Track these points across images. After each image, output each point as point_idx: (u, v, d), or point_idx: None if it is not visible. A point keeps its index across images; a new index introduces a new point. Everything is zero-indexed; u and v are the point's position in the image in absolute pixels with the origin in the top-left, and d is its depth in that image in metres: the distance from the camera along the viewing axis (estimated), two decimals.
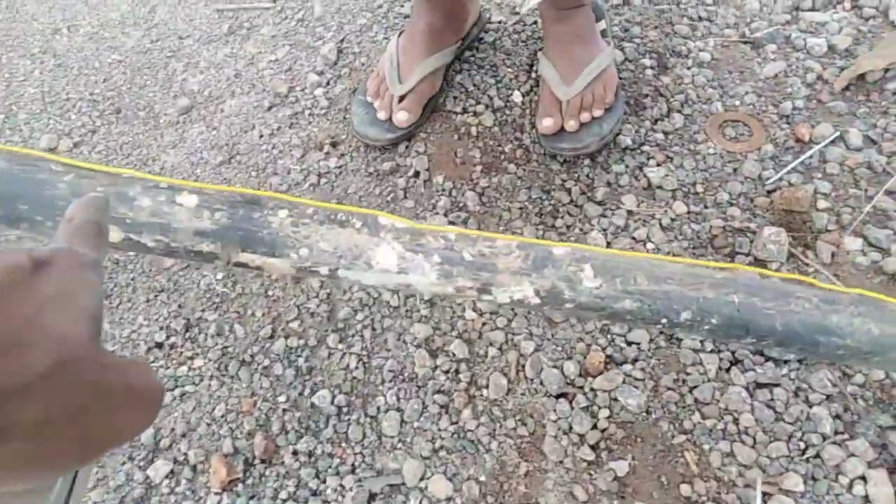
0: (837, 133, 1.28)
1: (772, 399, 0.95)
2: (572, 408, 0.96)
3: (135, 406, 0.26)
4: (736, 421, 0.93)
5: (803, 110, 1.35)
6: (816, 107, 1.35)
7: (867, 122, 1.31)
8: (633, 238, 1.15)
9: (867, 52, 1.40)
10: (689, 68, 1.43)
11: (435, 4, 1.27)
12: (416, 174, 1.24)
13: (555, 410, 0.96)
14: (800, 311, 0.62)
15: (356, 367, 1.04)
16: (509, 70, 1.38)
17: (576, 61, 1.23)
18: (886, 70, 1.37)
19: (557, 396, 0.98)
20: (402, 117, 1.25)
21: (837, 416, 0.94)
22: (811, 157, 1.26)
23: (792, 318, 0.62)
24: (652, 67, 1.37)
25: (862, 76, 1.37)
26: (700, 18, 1.54)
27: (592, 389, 0.98)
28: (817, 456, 0.90)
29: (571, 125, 1.21)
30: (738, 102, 1.38)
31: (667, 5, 1.52)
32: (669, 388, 0.96)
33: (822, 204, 1.19)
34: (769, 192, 1.22)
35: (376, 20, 1.54)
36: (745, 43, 1.50)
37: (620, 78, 1.35)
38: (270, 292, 1.15)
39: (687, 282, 0.64)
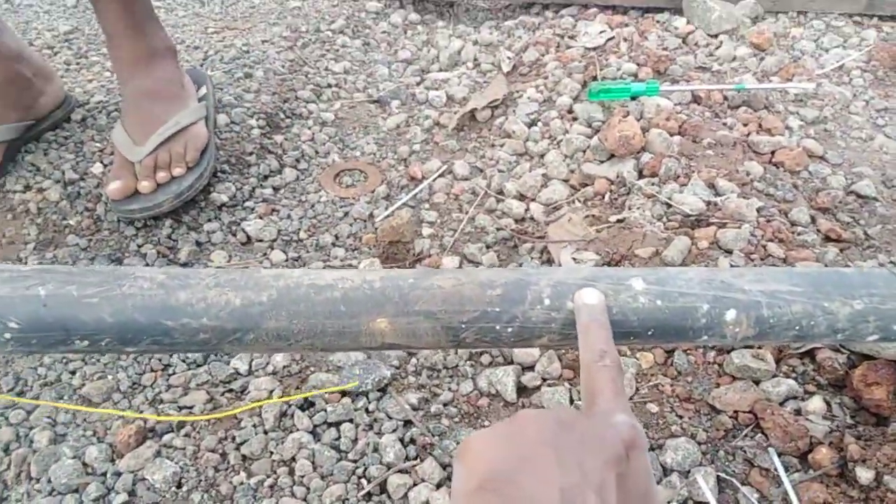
0: (445, 166, 1.30)
1: (338, 438, 0.82)
2: (82, 502, 0.75)
3: None
4: (291, 471, 0.78)
5: (420, 152, 1.38)
6: (432, 148, 1.39)
7: (476, 154, 1.35)
8: None
9: (478, 95, 1.48)
10: (309, 128, 1.42)
11: None
12: None
13: None
14: (136, 295, 0.50)
15: None
16: (97, 144, 1.27)
17: (151, 121, 1.15)
18: (494, 109, 1.45)
19: (66, 494, 0.76)
20: None
21: (412, 442, 0.82)
22: (421, 190, 1.25)
23: (125, 304, 0.50)
24: (260, 128, 1.34)
25: (474, 117, 1.44)
26: (329, 85, 1.58)
27: (117, 473, 0.78)
28: (383, 491, 0.77)
29: (145, 186, 1.10)
30: (358, 153, 1.38)
31: (288, 74, 1.53)
32: (211, 451, 0.79)
33: (426, 231, 1.16)
34: (377, 229, 1.17)
35: None
36: (373, 102, 1.54)
37: (222, 139, 1.28)
38: None
39: None
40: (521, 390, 0.90)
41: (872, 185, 1.12)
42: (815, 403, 0.76)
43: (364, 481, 0.78)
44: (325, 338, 0.53)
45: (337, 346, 0.54)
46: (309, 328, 0.52)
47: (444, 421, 0.87)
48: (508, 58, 1.63)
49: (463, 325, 0.54)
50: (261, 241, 1.15)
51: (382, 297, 0.53)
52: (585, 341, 0.48)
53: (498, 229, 1.14)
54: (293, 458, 0.81)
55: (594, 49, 1.57)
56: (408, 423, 0.86)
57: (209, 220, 1.17)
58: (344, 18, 1.85)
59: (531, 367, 0.91)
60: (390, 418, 0.86)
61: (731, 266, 0.93)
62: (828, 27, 1.60)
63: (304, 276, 0.54)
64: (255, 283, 0.52)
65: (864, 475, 0.68)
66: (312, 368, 0.94)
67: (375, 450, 0.82)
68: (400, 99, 1.54)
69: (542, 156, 1.30)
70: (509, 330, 0.54)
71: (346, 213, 1.22)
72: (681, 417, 0.81)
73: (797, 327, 0.56)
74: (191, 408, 0.87)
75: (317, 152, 1.37)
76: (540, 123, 1.38)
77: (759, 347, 0.82)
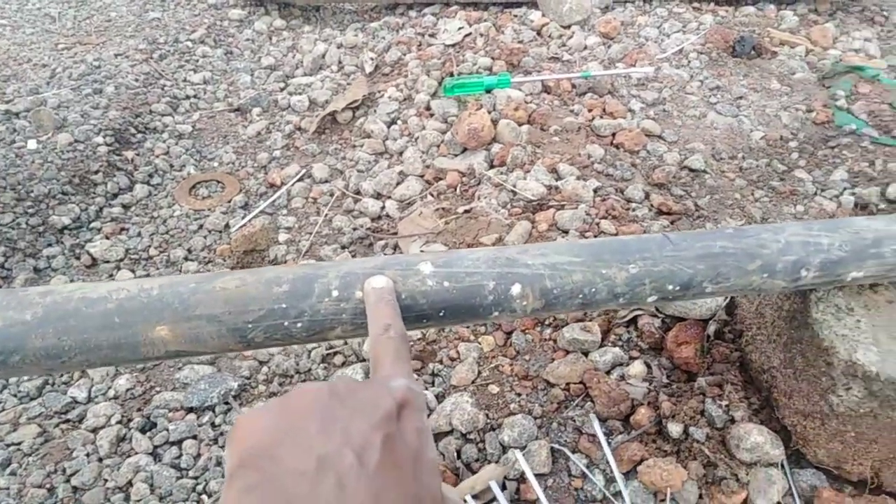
0: (304, 171, 1.29)
1: (180, 455, 0.80)
2: None
3: None
4: (127, 497, 0.76)
5: (280, 158, 1.36)
6: (293, 153, 1.37)
7: (337, 156, 1.34)
8: None
9: (339, 98, 1.48)
10: (163, 141, 1.37)
11: None
12: None
13: None
14: None
15: None
16: None
17: None
18: (355, 110, 1.45)
19: None
20: None
21: None
22: (279, 196, 1.24)
23: None
24: (108, 144, 1.28)
25: (335, 119, 1.43)
26: (187, 97, 1.53)
27: None
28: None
29: None
30: (216, 164, 1.35)
31: (142, 88, 1.48)
32: (38, 486, 0.76)
33: (283, 237, 1.15)
34: (232, 239, 1.15)
35: None
36: (233, 111, 1.51)
37: (64, 159, 1.22)
38: None
39: None
40: None
41: (702, 159, 1.19)
42: (636, 368, 0.80)
43: (205, 497, 0.77)
44: (101, 352, 0.51)
45: (117, 360, 0.52)
46: (81, 343, 0.50)
47: None
48: (371, 58, 1.64)
49: (249, 326, 0.53)
50: (107, 261, 1.10)
51: (160, 304, 0.52)
52: (372, 318, 0.49)
53: (354, 229, 1.14)
54: (129, 483, 0.78)
55: (453, 46, 1.60)
56: None
57: (49, 245, 1.11)
58: (205, 28, 1.81)
59: None
60: None
61: None
62: (670, 13, 1.69)
63: (75, 290, 0.52)
64: (19, 303, 0.50)
65: (675, 429, 0.72)
66: (158, 388, 0.91)
67: (218, 464, 0.80)
68: (261, 106, 1.52)
69: (400, 153, 1.31)
70: (299, 325, 0.54)
71: (201, 226, 1.19)
72: (519, 395, 0.83)
73: (580, 295, 0.59)
74: (19, 444, 0.82)
75: (172, 166, 1.33)
76: (399, 122, 1.39)
77: (589, 320, 0.86)
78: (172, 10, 1.91)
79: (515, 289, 0.57)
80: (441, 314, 0.57)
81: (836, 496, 0.65)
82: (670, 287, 0.60)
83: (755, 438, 0.68)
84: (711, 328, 0.78)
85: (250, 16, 1.90)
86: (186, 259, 1.12)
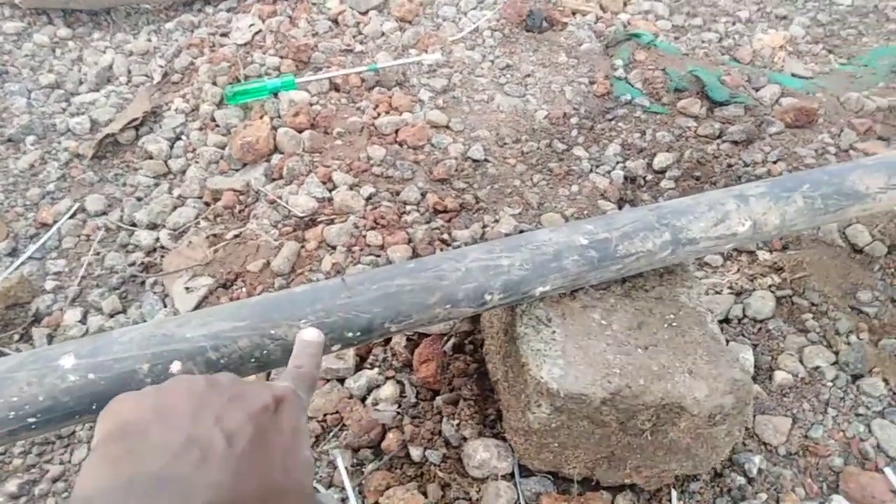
0: (77, 205, 1.19)
1: None
2: None
3: None
4: None
5: (55, 192, 1.24)
6: (69, 184, 1.26)
7: (118, 183, 1.24)
8: None
9: (121, 116, 1.36)
10: None
11: None
12: None
13: None
14: None
15: None
16: None
17: None
18: (139, 129, 1.34)
19: None
20: None
21: None
22: (49, 238, 1.14)
23: None
24: None
25: (118, 141, 1.32)
26: None
27: None
28: None
29: None
30: None
31: None
32: None
33: (50, 284, 1.06)
34: None
35: None
36: (4, 143, 1.36)
37: None
38: None
39: None
40: None
41: (483, 148, 1.18)
42: (387, 390, 0.79)
43: None
44: None
45: None
46: None
47: (50, 500, 0.80)
48: (160, 66, 1.52)
49: None
50: None
51: None
52: (291, 360, 0.49)
53: (130, 265, 1.07)
54: None
55: (244, 45, 1.50)
56: None
57: None
58: None
59: None
60: None
61: (333, 263, 0.94)
62: None
63: None
64: None
65: (416, 453, 0.71)
66: None
67: None
68: (36, 133, 1.38)
69: (183, 173, 1.23)
70: None
71: None
72: None
73: (252, 359, 0.56)
74: None
75: None
76: (184, 137, 1.30)
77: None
78: None
79: (175, 367, 0.54)
80: (94, 407, 0.52)
81: (556, 501, 0.67)
82: (350, 335, 0.58)
83: (482, 455, 0.68)
84: (448, 343, 0.77)
85: (30, 27, 1.72)
86: None
